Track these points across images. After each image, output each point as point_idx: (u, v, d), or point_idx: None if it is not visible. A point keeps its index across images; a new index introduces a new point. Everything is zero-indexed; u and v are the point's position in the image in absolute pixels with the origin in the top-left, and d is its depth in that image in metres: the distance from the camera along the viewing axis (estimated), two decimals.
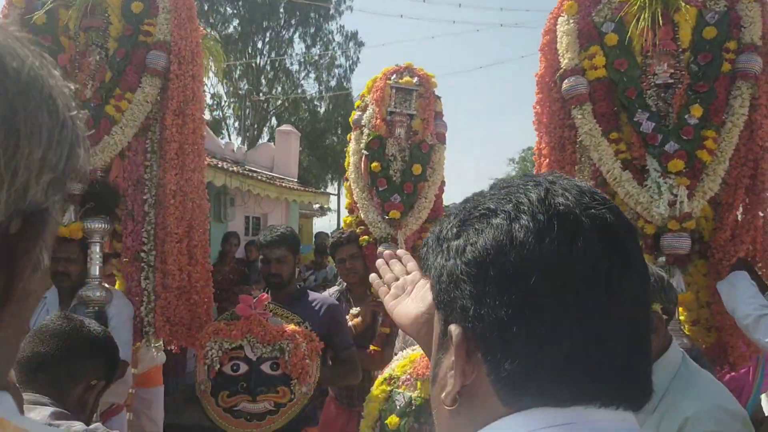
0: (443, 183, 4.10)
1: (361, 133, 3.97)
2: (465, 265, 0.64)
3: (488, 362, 0.62)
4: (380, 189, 3.85)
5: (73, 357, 1.36)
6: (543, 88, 3.33)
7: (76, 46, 3.29)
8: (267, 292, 3.11)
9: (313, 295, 3.23)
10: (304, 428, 2.94)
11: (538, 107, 3.36)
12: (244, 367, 2.79)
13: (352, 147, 4.04)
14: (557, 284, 0.60)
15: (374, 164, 3.83)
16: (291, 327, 2.84)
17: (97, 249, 3.13)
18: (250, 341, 2.80)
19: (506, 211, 0.64)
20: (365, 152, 3.89)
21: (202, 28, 3.57)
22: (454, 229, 0.68)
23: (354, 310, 3.66)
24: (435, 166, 3.91)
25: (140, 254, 3.21)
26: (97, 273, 3.11)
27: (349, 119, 4.15)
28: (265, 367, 2.79)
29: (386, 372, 2.59)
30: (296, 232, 3.35)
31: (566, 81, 3.14)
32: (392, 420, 2.43)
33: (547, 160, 3.32)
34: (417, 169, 3.83)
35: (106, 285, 3.19)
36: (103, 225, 3.15)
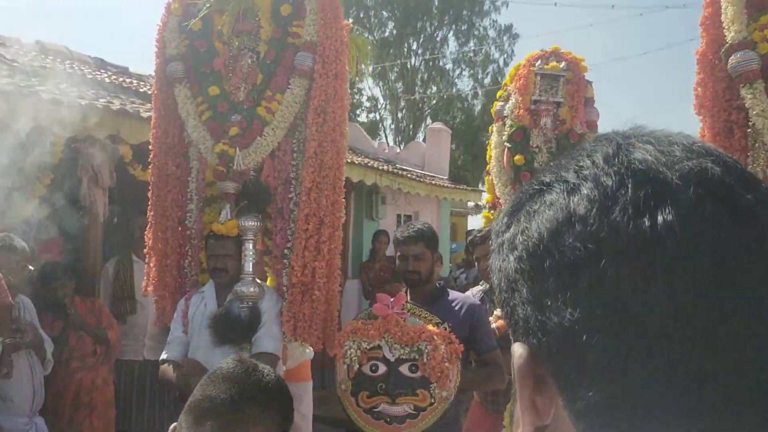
0: None
1: (504, 124, 3.78)
2: (517, 261, 0.50)
3: (564, 391, 0.47)
4: (524, 183, 3.64)
5: (245, 404, 1.29)
6: (705, 66, 2.97)
7: (230, 50, 3.43)
8: (405, 291, 3.05)
9: (453, 294, 3.11)
10: None
11: (699, 89, 3.01)
12: (383, 368, 2.75)
13: (493, 140, 3.86)
14: (635, 270, 0.43)
15: (517, 157, 3.63)
16: (430, 328, 2.75)
17: (251, 246, 3.24)
18: (388, 341, 2.75)
19: (564, 181, 0.49)
20: (508, 145, 3.70)
21: (348, 23, 3.58)
22: (505, 218, 0.54)
23: (498, 312, 3.50)
24: None
25: (284, 251, 3.28)
26: (251, 269, 3.21)
27: (491, 111, 3.98)
28: (404, 369, 2.72)
29: None
30: (434, 228, 3.25)
31: (733, 57, 2.78)
32: None
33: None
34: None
35: (258, 281, 3.29)
36: (255, 223, 3.25)
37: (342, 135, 3.44)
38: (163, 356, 3.20)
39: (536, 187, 0.52)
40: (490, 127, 4.00)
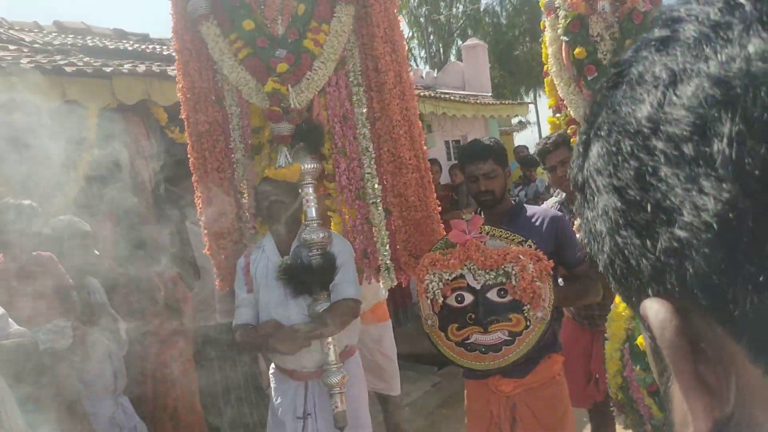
0: None
1: (557, 17, 3.41)
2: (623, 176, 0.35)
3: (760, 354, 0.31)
4: (589, 78, 3.30)
5: None
6: None
7: None
8: (479, 214, 2.81)
9: (531, 209, 2.85)
10: (548, 355, 2.65)
11: None
12: (469, 298, 2.54)
13: (548, 36, 3.50)
14: None
15: (578, 50, 3.28)
16: (513, 248, 2.52)
17: (311, 190, 3.04)
18: (471, 269, 2.54)
19: (703, 18, 0.34)
20: (565, 38, 3.34)
21: None
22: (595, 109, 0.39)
23: (578, 222, 3.24)
24: None
25: (365, 190, 3.07)
26: (315, 214, 3.01)
27: (540, 3, 3.60)
28: (492, 295, 2.51)
29: None
30: (500, 142, 2.98)
31: None
32: (643, 340, 2.07)
33: None
34: (631, 44, 3.23)
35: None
36: (315, 165, 3.03)
37: (407, 62, 3.23)
38: (236, 321, 3.06)
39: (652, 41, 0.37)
40: (541, 23, 3.64)
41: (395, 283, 3.18)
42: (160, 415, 3.96)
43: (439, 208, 3.37)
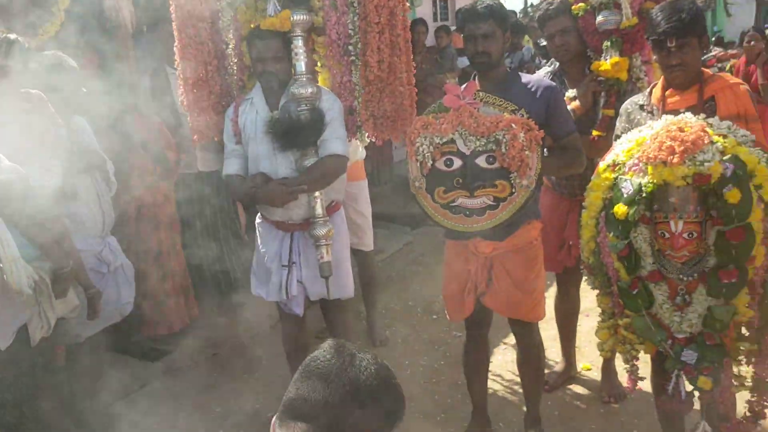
0: None
1: None
2: None
3: None
4: None
5: (340, 407, 1.12)
6: None
7: None
8: (474, 79, 2.81)
9: (525, 77, 2.86)
10: (528, 221, 2.77)
11: None
12: (458, 162, 2.61)
13: None
14: None
15: None
16: (506, 116, 2.55)
17: (301, 43, 2.97)
18: (462, 134, 2.58)
19: None
20: None
21: None
22: None
23: (570, 93, 3.26)
24: None
25: (348, 47, 3.00)
26: (304, 68, 2.96)
27: None
28: (481, 161, 2.58)
29: (609, 158, 2.33)
30: (503, 5, 2.91)
31: None
32: (619, 209, 2.21)
33: None
34: None
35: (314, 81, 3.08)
36: (305, 16, 2.94)
37: None
38: (226, 171, 3.11)
39: None
40: None
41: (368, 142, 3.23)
42: (145, 257, 4.10)
43: (414, 70, 3.26)
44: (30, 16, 3.80)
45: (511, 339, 3.44)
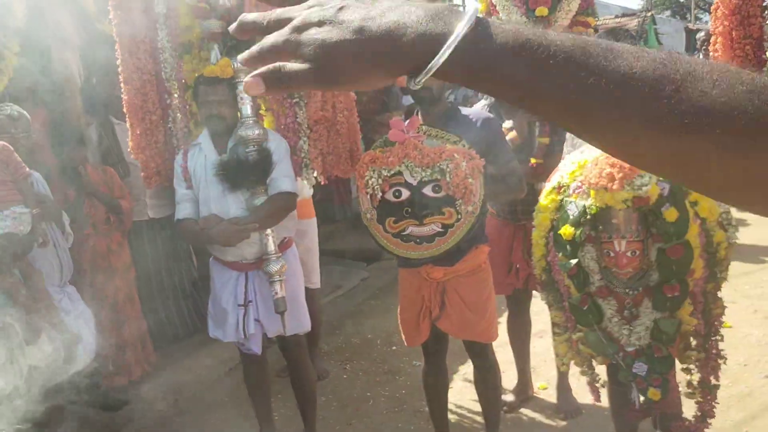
0: None
1: None
2: None
3: None
4: None
5: None
6: None
7: None
8: (417, 114, 2.96)
9: (465, 110, 3.03)
10: (475, 246, 2.90)
11: None
12: (406, 193, 2.73)
13: None
14: None
15: None
16: (448, 147, 2.70)
17: None
18: (408, 166, 2.71)
19: None
20: None
21: None
22: None
23: (507, 124, 3.44)
24: None
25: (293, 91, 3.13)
26: (250, 112, 3.07)
27: None
28: (427, 190, 2.71)
29: (555, 180, 2.46)
30: None
31: None
32: (566, 231, 2.33)
33: None
34: None
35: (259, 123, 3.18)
36: None
37: None
38: (178, 216, 3.17)
39: None
40: None
41: (316, 182, 3.33)
42: (102, 306, 4.07)
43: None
44: None
45: (469, 367, 3.53)
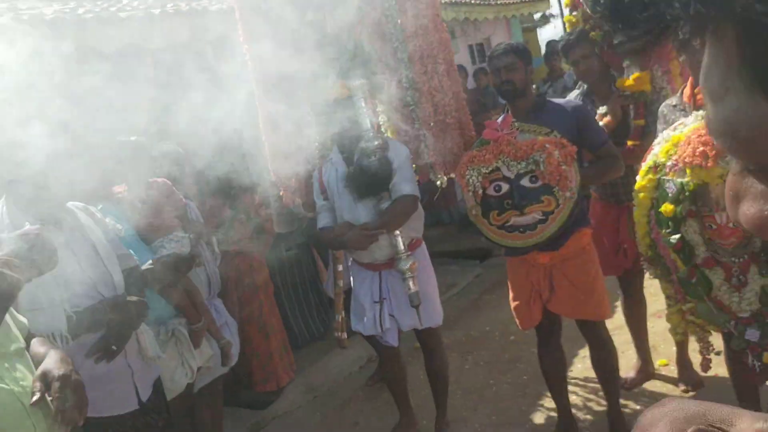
0: None
1: None
2: None
3: None
4: None
5: None
6: None
7: None
8: (506, 111, 3.16)
9: (554, 101, 3.20)
10: (578, 229, 3.04)
11: None
12: (505, 187, 2.93)
13: None
14: None
15: None
16: (540, 138, 2.88)
17: (363, 104, 3.35)
18: (504, 161, 2.91)
19: None
20: None
21: None
22: None
23: (601, 109, 3.56)
24: None
25: (406, 97, 3.41)
26: (369, 125, 3.34)
27: None
28: (525, 182, 2.90)
29: (650, 159, 2.55)
30: (524, 44, 3.29)
31: None
32: (667, 208, 2.42)
33: None
34: None
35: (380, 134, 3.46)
36: (363, 81, 3.36)
37: None
38: (319, 225, 3.52)
39: None
40: None
41: (442, 180, 3.55)
42: (248, 320, 4.49)
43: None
44: None
45: (586, 350, 3.64)
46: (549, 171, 2.81)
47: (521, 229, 2.96)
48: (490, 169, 2.95)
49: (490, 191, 2.98)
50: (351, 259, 3.63)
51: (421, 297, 3.32)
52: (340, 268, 4.12)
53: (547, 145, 2.82)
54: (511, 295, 3.30)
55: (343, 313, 4.12)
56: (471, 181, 2.98)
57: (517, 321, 3.32)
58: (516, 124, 2.98)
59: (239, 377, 4.34)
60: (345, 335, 4.18)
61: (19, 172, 2.37)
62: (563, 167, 2.81)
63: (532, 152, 2.84)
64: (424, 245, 3.61)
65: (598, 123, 3.22)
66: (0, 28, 3.79)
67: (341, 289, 4.13)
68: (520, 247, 3.03)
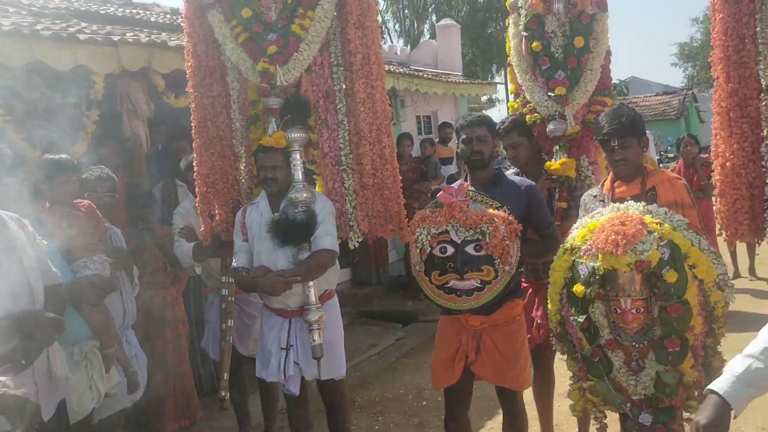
0: (609, 53, 4.02)
1: (519, 15, 3.99)
2: None
3: None
4: (543, 68, 3.88)
5: None
6: None
7: None
8: (466, 179, 3.34)
9: (509, 177, 3.40)
10: (511, 299, 3.21)
11: None
12: (450, 250, 3.09)
13: (511, 31, 4.10)
14: None
15: (535, 44, 3.87)
16: (490, 211, 3.07)
17: (298, 156, 3.46)
18: (454, 226, 3.08)
19: None
20: (524, 33, 3.93)
21: None
22: None
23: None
24: (598, 37, 3.85)
25: (340, 158, 3.52)
26: (301, 177, 3.44)
27: (506, 3, 4.16)
28: (470, 249, 3.06)
29: (567, 241, 2.70)
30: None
31: None
32: (578, 288, 2.55)
33: (721, 15, 3.20)
34: (579, 42, 3.80)
35: (309, 187, 3.52)
36: (301, 134, 3.46)
37: (380, 45, 3.64)
38: (234, 264, 3.55)
39: None
40: (507, 20, 4.23)
41: (359, 239, 3.58)
42: (152, 355, 4.34)
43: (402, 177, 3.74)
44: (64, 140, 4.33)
45: (494, 422, 3.68)
46: (493, 243, 2.99)
47: (458, 293, 3.09)
48: (439, 230, 3.11)
49: (436, 251, 3.13)
50: (263, 303, 3.62)
51: (325, 349, 3.36)
52: (230, 323, 4.12)
53: (495, 219, 3.01)
54: (435, 351, 3.38)
55: (226, 375, 4.11)
56: (420, 239, 3.13)
57: (433, 380, 3.39)
58: (470, 192, 3.16)
59: (139, 417, 4.19)
60: (227, 396, 4.16)
61: None
62: (506, 242, 3.00)
63: (481, 223, 3.02)
64: (336, 298, 3.69)
65: (545, 204, 3.42)
66: None
67: (230, 344, 4.11)
68: (455, 309, 3.15)
